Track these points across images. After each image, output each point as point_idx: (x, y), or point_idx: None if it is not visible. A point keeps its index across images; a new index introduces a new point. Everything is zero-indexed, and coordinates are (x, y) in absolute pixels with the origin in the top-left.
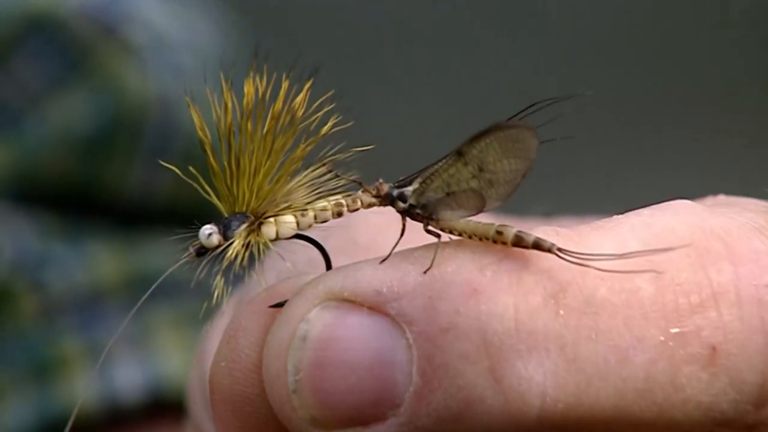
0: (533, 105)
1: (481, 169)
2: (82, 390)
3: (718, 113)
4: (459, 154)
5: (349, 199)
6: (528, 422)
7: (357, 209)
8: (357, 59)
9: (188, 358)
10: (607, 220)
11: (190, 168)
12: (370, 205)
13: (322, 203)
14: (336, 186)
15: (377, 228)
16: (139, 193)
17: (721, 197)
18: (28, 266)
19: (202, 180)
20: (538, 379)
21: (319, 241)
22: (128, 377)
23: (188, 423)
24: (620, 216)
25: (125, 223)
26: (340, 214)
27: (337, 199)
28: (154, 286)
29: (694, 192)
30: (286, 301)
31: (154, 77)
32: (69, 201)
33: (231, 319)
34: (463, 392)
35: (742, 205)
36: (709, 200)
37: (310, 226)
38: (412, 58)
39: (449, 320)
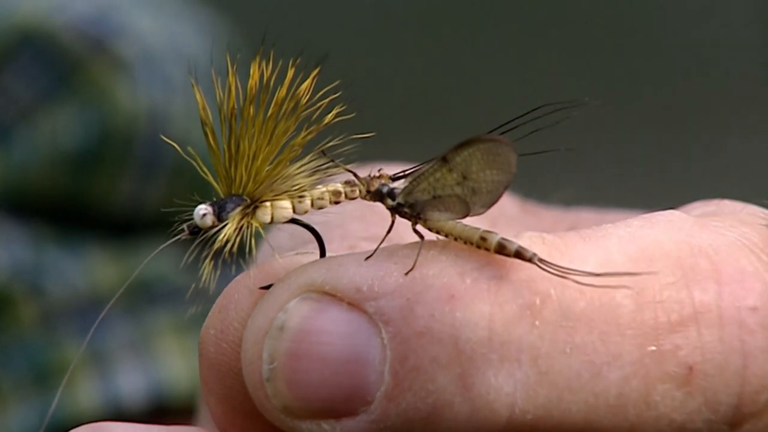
0: (536, 109)
1: (465, 177)
2: (83, 396)
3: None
4: (444, 160)
5: (348, 188)
6: (495, 431)
7: (355, 198)
8: (366, 50)
9: (190, 363)
10: (596, 229)
11: (189, 148)
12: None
13: (319, 190)
14: (335, 174)
15: (353, 210)
16: (129, 206)
17: (726, 203)
18: (26, 273)
19: (200, 162)
20: (508, 390)
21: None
22: (131, 383)
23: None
24: (610, 226)
25: (117, 233)
26: (337, 202)
27: (335, 187)
28: (143, 265)
29: (703, 192)
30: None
31: (144, 91)
32: (60, 211)
33: (226, 290)
34: (432, 397)
35: (741, 217)
36: (713, 205)
37: (306, 212)
38: (421, 52)
39: (424, 324)
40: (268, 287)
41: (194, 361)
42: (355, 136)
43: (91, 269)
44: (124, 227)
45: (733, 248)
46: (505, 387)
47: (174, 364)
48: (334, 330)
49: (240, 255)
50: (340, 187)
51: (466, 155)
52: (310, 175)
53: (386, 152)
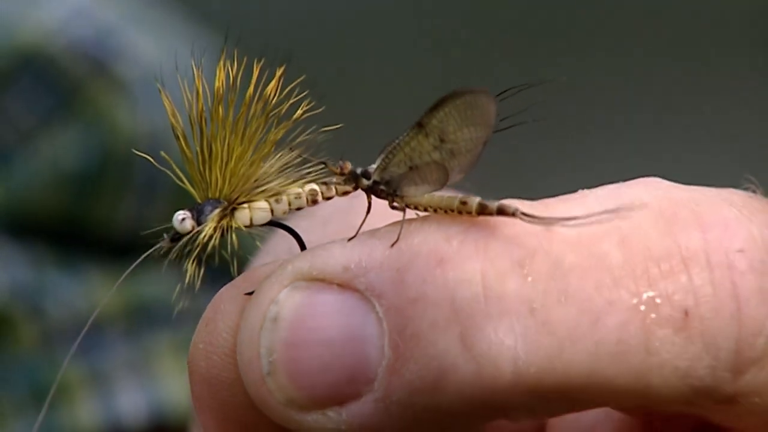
0: (505, 91)
1: (442, 140)
2: (83, 415)
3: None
4: (419, 125)
5: (324, 187)
6: (503, 389)
7: (332, 197)
8: (331, 44)
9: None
10: (573, 194)
11: (162, 153)
12: (345, 193)
13: (295, 190)
14: (311, 170)
15: (336, 210)
16: (131, 227)
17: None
18: (26, 293)
19: (176, 168)
20: (509, 343)
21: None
22: (131, 403)
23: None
24: (587, 190)
25: (119, 255)
26: (315, 202)
27: (311, 187)
28: (131, 269)
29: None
30: None
31: (144, 113)
32: (61, 234)
33: (211, 302)
34: (435, 362)
35: (718, 189)
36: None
37: (284, 213)
38: (385, 42)
39: (417, 290)
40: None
41: None
42: (323, 129)
43: (91, 291)
44: (125, 250)
45: (714, 200)
46: (506, 341)
47: (173, 384)
48: (328, 312)
49: (223, 268)
50: (315, 186)
51: (442, 115)
52: (283, 174)
53: (358, 147)
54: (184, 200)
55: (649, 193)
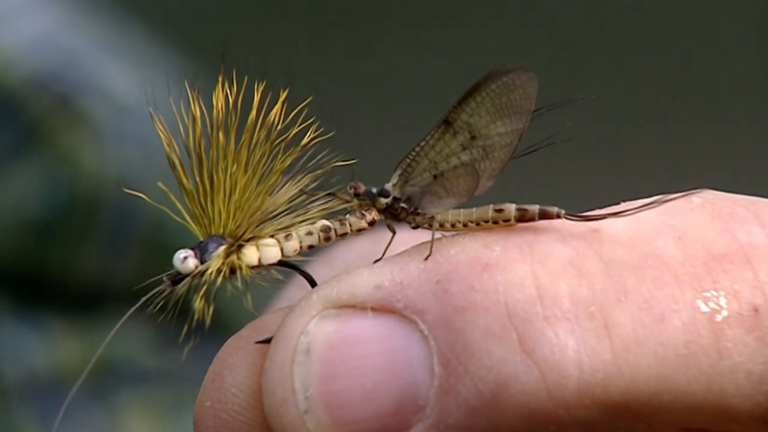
0: (535, 111)
1: (473, 137)
2: None
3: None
4: (446, 123)
5: (337, 223)
6: (568, 400)
7: (346, 233)
8: (338, 64)
9: None
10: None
11: (159, 184)
12: (360, 230)
13: (305, 227)
14: (324, 206)
15: (360, 255)
16: (95, 278)
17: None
18: None
19: (174, 200)
20: (572, 345)
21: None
22: None
23: None
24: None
25: (82, 307)
26: (328, 239)
27: (323, 223)
28: (128, 314)
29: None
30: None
31: (113, 153)
32: (20, 282)
33: (217, 356)
34: (493, 372)
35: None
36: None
37: (295, 251)
38: (397, 61)
39: (464, 299)
40: (266, 341)
41: None
42: (335, 164)
43: (52, 346)
44: (90, 301)
45: (765, 201)
46: (569, 343)
47: None
48: (365, 338)
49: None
50: (328, 222)
51: (473, 106)
52: (292, 207)
53: (374, 171)
54: (159, 249)
55: (699, 195)
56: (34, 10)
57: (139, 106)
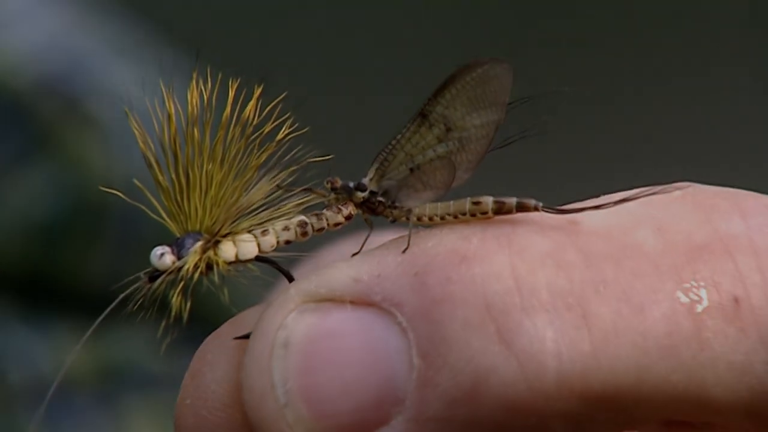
0: (510, 103)
1: (448, 129)
2: None
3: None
4: (422, 115)
5: (314, 218)
6: (547, 391)
7: (323, 228)
8: (309, 59)
9: None
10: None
11: (134, 181)
12: (337, 224)
13: (282, 222)
14: (301, 201)
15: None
16: (104, 281)
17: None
18: None
19: (150, 197)
20: (551, 336)
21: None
22: None
23: None
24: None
25: (90, 312)
26: (305, 234)
27: (300, 218)
28: (103, 316)
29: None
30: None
31: (121, 155)
32: (28, 287)
33: (196, 354)
34: (472, 364)
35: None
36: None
37: (273, 246)
38: (367, 53)
39: (442, 291)
40: (245, 337)
41: None
42: (310, 160)
43: (59, 350)
44: (97, 305)
45: (749, 193)
46: (548, 334)
47: None
48: (343, 331)
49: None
50: (305, 217)
51: (449, 99)
52: (269, 202)
53: (351, 166)
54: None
55: (679, 188)
56: (41, 14)
57: (146, 107)
